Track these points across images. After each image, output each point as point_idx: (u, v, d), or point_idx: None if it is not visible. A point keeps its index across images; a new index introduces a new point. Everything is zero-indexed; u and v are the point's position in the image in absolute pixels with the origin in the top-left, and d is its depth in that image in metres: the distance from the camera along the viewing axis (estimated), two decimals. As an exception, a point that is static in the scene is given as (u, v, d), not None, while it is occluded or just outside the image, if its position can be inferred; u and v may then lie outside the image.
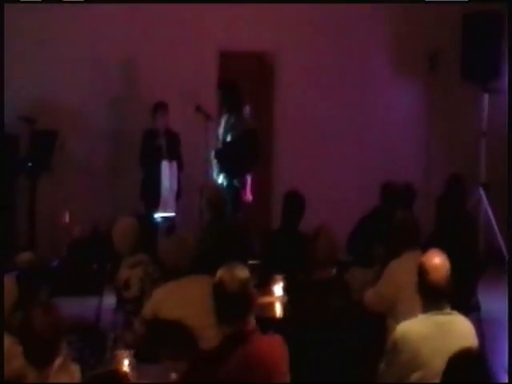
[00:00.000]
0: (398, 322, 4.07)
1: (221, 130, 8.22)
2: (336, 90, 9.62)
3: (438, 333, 3.73)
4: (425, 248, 4.94)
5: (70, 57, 8.80)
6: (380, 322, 4.86)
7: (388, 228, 5.16)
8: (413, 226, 5.08)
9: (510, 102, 8.75)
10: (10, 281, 4.10)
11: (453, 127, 9.92)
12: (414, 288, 4.09)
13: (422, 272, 3.84)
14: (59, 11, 8.62)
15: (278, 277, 5.37)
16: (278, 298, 5.28)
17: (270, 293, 5.33)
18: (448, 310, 3.81)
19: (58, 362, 3.23)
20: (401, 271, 4.84)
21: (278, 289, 5.32)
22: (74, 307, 5.41)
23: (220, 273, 3.32)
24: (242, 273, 3.30)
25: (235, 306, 3.23)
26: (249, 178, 8.19)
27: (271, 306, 5.20)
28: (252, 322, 3.28)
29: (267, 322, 3.74)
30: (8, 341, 3.66)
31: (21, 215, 8.32)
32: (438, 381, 3.21)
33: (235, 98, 7.98)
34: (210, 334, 4.10)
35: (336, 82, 9.62)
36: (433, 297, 3.79)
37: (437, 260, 3.84)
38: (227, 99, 8.07)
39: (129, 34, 8.94)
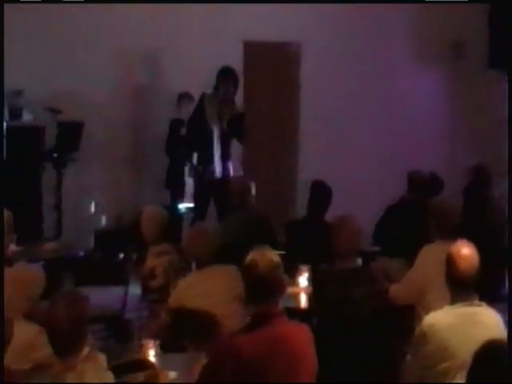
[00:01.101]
0: (427, 311, 4.03)
1: (214, 108, 7.71)
2: (361, 79, 9.56)
3: (465, 324, 3.70)
4: (451, 239, 4.93)
5: (96, 48, 8.82)
6: (405, 312, 4.83)
7: (418, 216, 5.12)
8: (449, 213, 5.00)
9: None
10: (37, 270, 4.13)
11: (478, 116, 9.82)
12: (442, 277, 4.05)
13: (451, 262, 3.80)
14: (85, 4, 8.64)
15: (304, 267, 5.35)
16: (303, 288, 5.27)
17: (295, 283, 5.32)
18: (476, 301, 3.78)
19: (84, 352, 3.25)
20: (432, 259, 4.78)
21: (303, 279, 5.31)
22: (99, 297, 5.42)
23: (252, 254, 3.37)
24: (274, 256, 3.37)
25: (264, 286, 3.26)
26: (231, 166, 7.80)
27: (296, 296, 5.18)
28: (279, 304, 3.30)
29: (292, 313, 3.73)
30: (35, 330, 3.69)
31: (47, 205, 8.38)
32: (464, 372, 3.19)
33: (228, 79, 7.74)
34: (234, 324, 4.11)
35: (361, 71, 9.56)
36: (461, 288, 3.76)
37: (466, 250, 3.80)
38: (222, 79, 7.68)
39: (153, 26, 8.94)
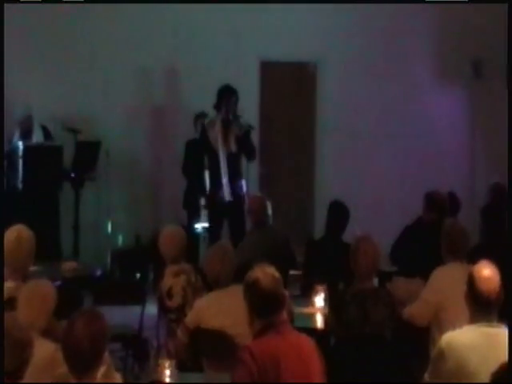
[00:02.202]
0: (442, 331, 4.01)
1: (216, 130, 7.58)
2: (378, 98, 9.56)
3: (485, 344, 3.67)
4: (470, 258, 4.91)
5: (114, 67, 8.90)
6: (423, 334, 4.81)
7: (435, 236, 5.09)
8: (461, 235, 5.01)
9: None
10: (49, 284, 4.12)
11: (498, 136, 9.79)
12: (458, 297, 4.02)
13: (473, 282, 3.77)
14: (104, 21, 8.72)
15: (320, 287, 5.34)
16: (320, 309, 5.25)
17: (311, 304, 5.30)
18: (496, 322, 3.75)
19: (101, 371, 3.24)
20: (446, 279, 4.78)
21: (320, 300, 5.29)
22: (116, 316, 5.44)
23: (253, 272, 3.53)
24: (274, 272, 3.53)
25: (269, 301, 3.44)
26: (243, 184, 7.67)
27: (312, 316, 5.17)
28: (283, 315, 3.45)
29: (309, 333, 3.72)
30: (52, 347, 3.68)
31: (65, 224, 8.41)
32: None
33: (232, 98, 7.66)
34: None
35: (378, 90, 9.57)
36: (482, 308, 3.73)
37: (488, 271, 3.77)
38: (225, 99, 7.57)
39: (171, 45, 9.01)
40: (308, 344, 3.50)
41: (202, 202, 8.04)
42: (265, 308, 3.43)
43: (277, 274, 3.51)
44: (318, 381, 3.44)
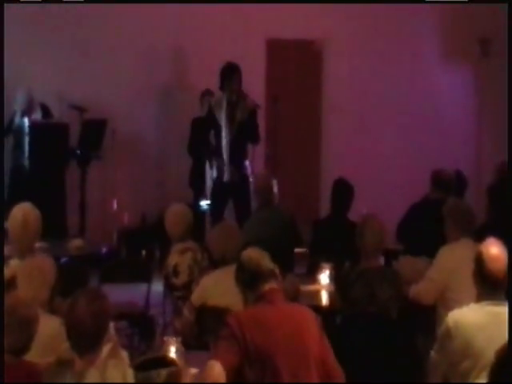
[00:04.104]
0: (448, 310, 4.01)
1: (222, 111, 7.47)
2: (385, 77, 9.52)
3: (492, 323, 3.67)
4: (476, 237, 4.90)
5: (120, 47, 8.86)
6: (429, 312, 4.81)
7: (440, 216, 5.09)
8: (466, 213, 5.00)
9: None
10: (45, 260, 4.11)
11: (504, 115, 9.74)
12: (464, 276, 4.02)
13: (480, 261, 3.77)
14: (110, 1, 8.68)
15: (325, 265, 5.35)
16: (325, 286, 5.26)
17: (317, 281, 5.31)
18: (503, 301, 3.75)
19: (106, 349, 3.25)
20: (452, 258, 4.78)
21: (325, 277, 5.30)
22: (123, 294, 5.46)
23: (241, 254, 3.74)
24: (259, 250, 3.72)
25: (255, 273, 3.59)
26: (248, 165, 7.58)
27: (317, 294, 5.17)
28: (273, 286, 3.57)
29: (314, 311, 3.73)
30: (57, 321, 3.68)
31: (71, 203, 8.42)
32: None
33: (234, 77, 7.44)
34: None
35: (385, 68, 9.52)
36: (489, 287, 3.73)
37: (496, 250, 3.77)
38: (227, 78, 7.43)
39: (177, 24, 8.96)
40: (301, 312, 3.57)
41: (207, 180, 8.00)
42: (252, 280, 3.56)
43: (261, 251, 3.68)
44: (314, 349, 3.46)
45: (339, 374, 3.55)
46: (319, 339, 3.52)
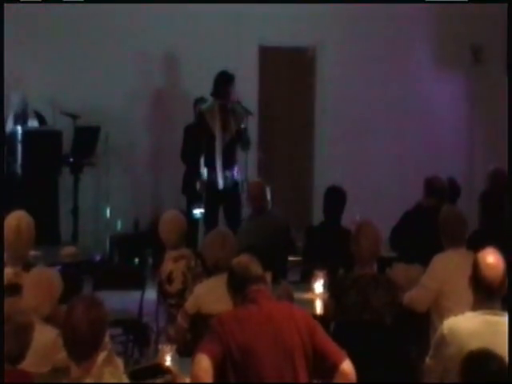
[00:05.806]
0: (442, 317, 4.02)
1: (216, 119, 7.47)
2: (377, 83, 9.55)
3: (488, 332, 3.67)
4: (469, 244, 4.92)
5: (113, 52, 8.86)
6: (423, 320, 4.82)
7: (433, 223, 5.10)
8: (459, 221, 5.01)
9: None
10: (55, 273, 4.14)
11: (496, 121, 9.78)
12: (458, 284, 4.03)
13: (477, 269, 3.76)
14: (102, 7, 8.68)
15: (319, 273, 5.34)
16: (319, 294, 5.25)
17: (311, 289, 5.31)
18: (499, 310, 3.75)
19: (102, 356, 3.24)
20: (446, 266, 4.79)
21: (319, 286, 5.30)
22: (116, 301, 5.45)
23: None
24: (248, 256, 3.74)
25: (241, 275, 3.63)
26: (235, 172, 7.59)
27: (312, 302, 5.17)
28: (260, 287, 3.59)
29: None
30: (53, 332, 3.70)
31: (64, 209, 8.41)
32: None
33: (229, 87, 7.47)
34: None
35: (377, 75, 9.55)
36: (485, 295, 3.72)
37: (493, 258, 3.76)
38: (222, 87, 7.48)
39: (171, 31, 8.97)
40: (286, 310, 3.56)
41: (198, 187, 8.01)
42: (240, 283, 3.60)
43: (251, 257, 3.71)
44: (304, 347, 3.44)
45: (341, 357, 3.48)
46: (311, 334, 3.48)
